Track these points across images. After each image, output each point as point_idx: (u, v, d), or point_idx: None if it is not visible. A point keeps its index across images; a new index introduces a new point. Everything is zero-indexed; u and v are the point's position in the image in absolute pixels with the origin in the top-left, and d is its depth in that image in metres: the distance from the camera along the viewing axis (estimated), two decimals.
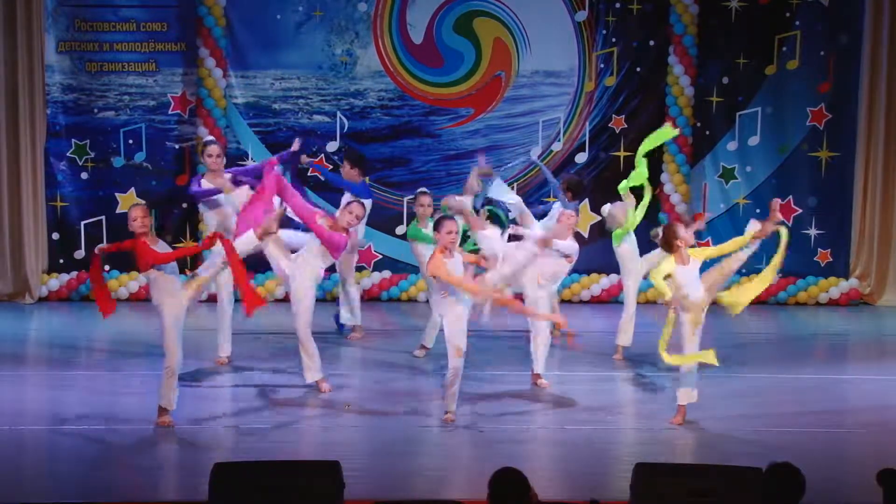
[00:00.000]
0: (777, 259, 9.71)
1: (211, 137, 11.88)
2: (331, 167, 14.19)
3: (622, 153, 14.62)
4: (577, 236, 14.48)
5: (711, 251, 9.63)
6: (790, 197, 14.68)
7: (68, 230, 14.44)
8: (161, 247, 9.40)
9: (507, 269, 9.88)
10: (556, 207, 12.09)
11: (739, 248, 9.53)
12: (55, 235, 14.43)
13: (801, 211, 14.69)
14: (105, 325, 13.23)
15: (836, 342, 13.25)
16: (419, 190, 12.18)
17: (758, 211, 14.66)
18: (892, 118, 14.51)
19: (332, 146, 14.54)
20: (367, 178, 12.29)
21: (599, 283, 14.65)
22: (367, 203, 11.50)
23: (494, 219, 11.27)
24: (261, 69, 14.46)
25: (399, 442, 9.34)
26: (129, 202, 14.37)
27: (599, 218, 14.55)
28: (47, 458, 8.89)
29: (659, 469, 7.01)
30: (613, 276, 14.32)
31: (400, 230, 14.44)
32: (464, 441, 9.27)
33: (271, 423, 9.59)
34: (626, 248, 11.58)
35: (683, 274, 9.30)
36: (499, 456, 8.64)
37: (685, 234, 9.42)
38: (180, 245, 14.18)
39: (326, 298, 14.45)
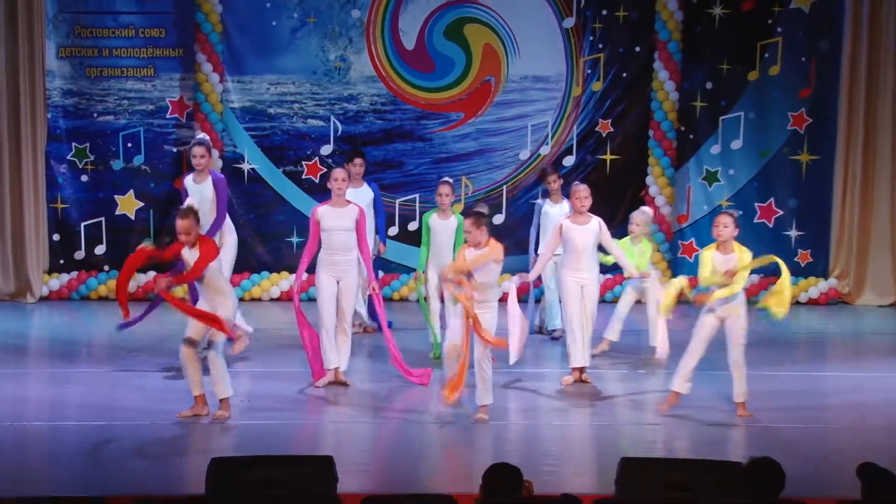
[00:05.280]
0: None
1: (199, 137, 11.74)
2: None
3: (608, 156, 14.65)
4: None
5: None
6: (772, 199, 14.71)
7: (69, 231, 14.44)
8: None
9: None
10: (539, 202, 12.21)
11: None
12: (56, 236, 14.42)
13: (782, 213, 14.73)
14: (104, 324, 13.27)
15: (816, 340, 13.29)
16: (442, 179, 11.96)
17: (740, 213, 14.68)
18: (871, 122, 14.55)
19: (325, 149, 14.55)
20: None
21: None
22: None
23: None
24: (257, 74, 14.46)
25: (391, 437, 9.35)
26: (127, 204, 14.41)
27: None
28: (48, 453, 8.90)
29: (643, 463, 7.03)
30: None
31: (392, 231, 14.45)
32: (455, 437, 9.28)
33: (267, 419, 9.60)
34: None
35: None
36: (489, 451, 8.67)
37: None
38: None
39: None
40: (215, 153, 14.14)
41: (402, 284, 14.50)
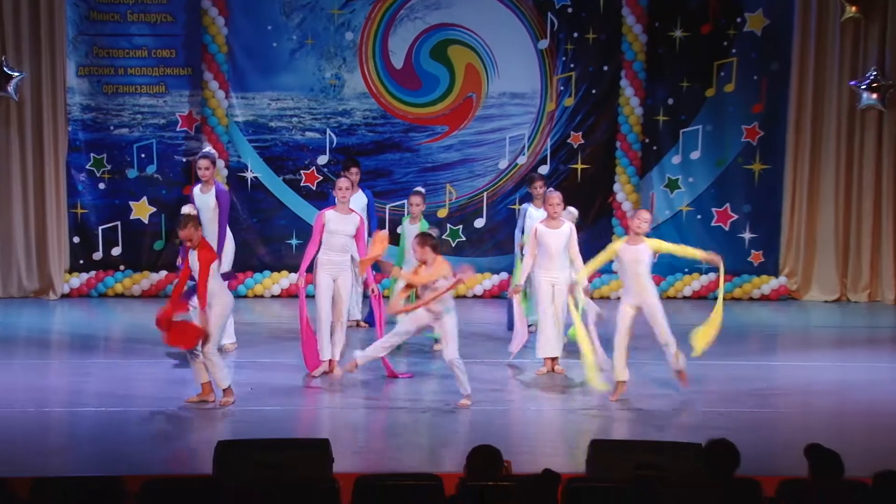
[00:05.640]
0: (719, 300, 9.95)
1: (205, 150, 11.79)
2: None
3: (579, 166, 14.66)
4: None
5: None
6: (727, 204, 14.73)
7: (87, 234, 14.39)
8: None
9: None
10: (524, 206, 12.12)
11: None
12: (76, 239, 14.38)
13: (737, 217, 14.75)
14: (120, 319, 13.28)
15: (767, 333, 13.32)
16: (414, 189, 12.13)
17: (699, 217, 14.73)
18: (817, 135, 14.58)
19: (322, 159, 14.53)
20: None
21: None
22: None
23: None
24: (259, 91, 14.43)
25: (383, 422, 9.35)
26: (141, 209, 14.38)
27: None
28: (69, 437, 8.88)
29: (611, 445, 7.06)
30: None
31: (382, 233, 14.39)
32: (441, 421, 9.28)
33: (269, 405, 9.58)
34: None
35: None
36: (471, 434, 8.67)
37: None
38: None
39: None
40: (221, 163, 14.12)
41: (392, 282, 14.46)
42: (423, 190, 12.05)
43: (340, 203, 10.49)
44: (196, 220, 9.43)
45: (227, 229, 11.27)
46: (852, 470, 6.16)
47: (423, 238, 9.66)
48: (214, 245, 10.39)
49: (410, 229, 11.41)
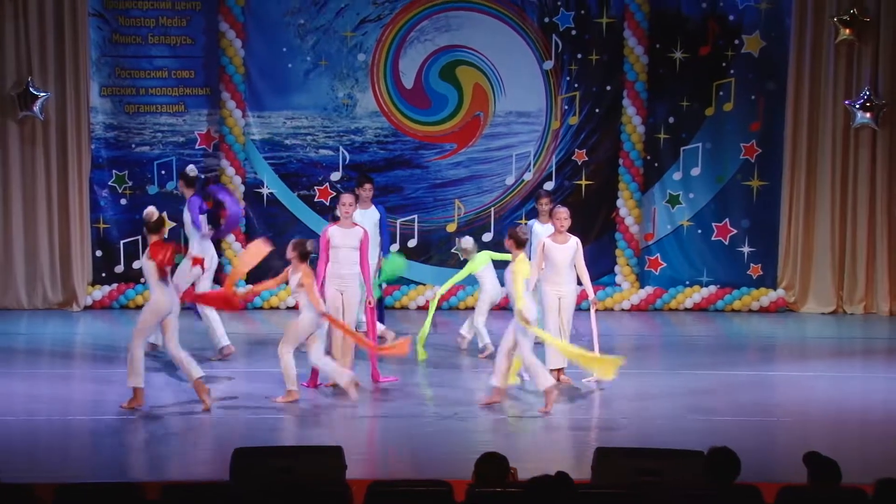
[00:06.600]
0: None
1: (191, 166, 11.96)
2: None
3: (584, 182, 14.63)
4: None
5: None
6: (727, 219, 14.69)
7: (110, 248, 14.40)
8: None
9: None
10: (530, 223, 11.99)
11: None
12: (98, 253, 14.38)
13: (736, 231, 14.71)
14: None
15: (766, 344, 13.27)
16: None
17: (699, 231, 14.70)
18: (812, 152, 14.54)
19: (335, 176, 14.53)
20: None
21: None
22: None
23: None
24: (274, 110, 14.44)
25: (394, 430, 9.31)
26: None
27: None
28: (91, 443, 8.86)
29: (615, 452, 7.01)
30: None
31: (394, 248, 14.40)
32: (451, 429, 9.24)
33: (284, 413, 9.55)
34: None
35: None
36: (479, 442, 8.63)
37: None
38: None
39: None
40: (237, 179, 14.14)
41: (403, 294, 14.46)
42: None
43: (344, 218, 10.47)
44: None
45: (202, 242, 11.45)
46: (849, 477, 6.12)
47: (293, 246, 9.91)
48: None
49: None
